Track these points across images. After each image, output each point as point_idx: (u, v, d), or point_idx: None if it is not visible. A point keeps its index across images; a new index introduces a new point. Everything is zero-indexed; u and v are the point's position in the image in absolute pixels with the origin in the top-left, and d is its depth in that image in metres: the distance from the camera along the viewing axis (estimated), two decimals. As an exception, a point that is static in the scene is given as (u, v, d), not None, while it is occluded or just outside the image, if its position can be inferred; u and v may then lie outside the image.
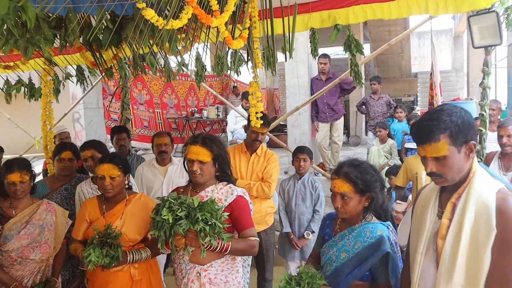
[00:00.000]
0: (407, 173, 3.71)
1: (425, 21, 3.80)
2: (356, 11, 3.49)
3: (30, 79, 5.36)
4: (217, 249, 2.27)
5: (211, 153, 2.41)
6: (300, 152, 3.91)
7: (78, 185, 3.35)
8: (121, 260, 2.49)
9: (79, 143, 5.45)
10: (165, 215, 2.19)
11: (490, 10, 3.18)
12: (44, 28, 2.44)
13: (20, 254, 2.75)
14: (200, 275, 2.38)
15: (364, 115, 8.54)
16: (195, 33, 2.86)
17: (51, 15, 2.74)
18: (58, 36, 3.08)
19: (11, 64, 4.15)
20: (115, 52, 3.69)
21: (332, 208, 2.20)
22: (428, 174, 1.68)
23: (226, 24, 2.59)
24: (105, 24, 2.96)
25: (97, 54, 3.58)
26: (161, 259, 3.90)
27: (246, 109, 7.03)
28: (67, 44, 3.14)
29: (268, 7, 3.07)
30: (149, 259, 2.71)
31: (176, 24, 2.20)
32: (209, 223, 2.18)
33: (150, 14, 2.05)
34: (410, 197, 3.98)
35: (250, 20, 3.02)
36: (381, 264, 2.00)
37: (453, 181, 1.65)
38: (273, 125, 5.56)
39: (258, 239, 2.47)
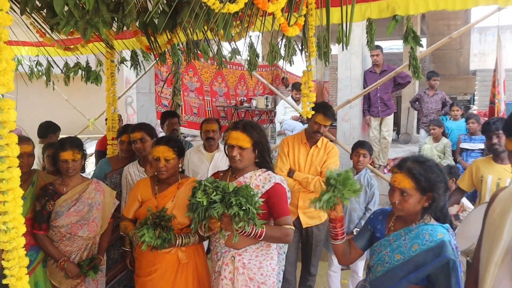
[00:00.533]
0: (472, 177, 3.44)
1: (492, 13, 3.58)
2: (417, 1, 3.36)
3: (87, 62, 5.53)
4: (251, 235, 2.28)
5: (251, 139, 2.43)
6: (361, 146, 3.79)
7: (126, 166, 3.43)
8: (172, 242, 2.54)
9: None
10: (199, 198, 2.24)
11: None
12: (102, 10, 2.48)
13: (69, 230, 2.84)
14: (234, 259, 2.43)
15: (416, 112, 8.25)
16: (250, 20, 2.83)
17: (109, -3, 2.78)
18: (116, 19, 3.14)
19: (71, 46, 4.27)
20: (169, 37, 3.72)
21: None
22: None
23: (282, 10, 2.54)
24: (161, 8, 2.99)
25: (152, 38, 3.62)
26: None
27: (296, 100, 6.96)
28: (124, 28, 3.20)
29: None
30: (196, 244, 2.74)
31: (232, 7, 2.17)
32: (243, 208, 2.19)
33: (207, -3, 2.03)
34: (463, 200, 3.79)
35: (307, 7, 2.96)
36: (442, 271, 1.88)
37: None
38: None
39: (293, 227, 2.46)
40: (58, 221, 2.80)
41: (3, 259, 1.51)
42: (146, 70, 6.28)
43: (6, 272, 1.50)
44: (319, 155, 3.56)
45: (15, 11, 2.57)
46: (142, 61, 5.57)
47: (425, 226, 1.96)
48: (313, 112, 3.15)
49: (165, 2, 2.91)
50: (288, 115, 7.23)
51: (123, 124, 6.05)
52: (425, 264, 1.88)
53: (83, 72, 5.53)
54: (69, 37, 4.21)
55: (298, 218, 3.54)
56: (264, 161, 2.53)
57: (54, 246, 2.85)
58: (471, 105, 12.10)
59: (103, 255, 3.03)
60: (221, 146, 4.13)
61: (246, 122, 2.52)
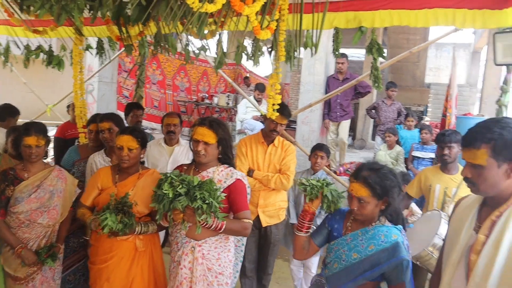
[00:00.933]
0: (421, 184, 3.63)
1: (449, 33, 3.81)
2: (382, 16, 3.50)
3: (50, 46, 5.41)
4: (212, 227, 2.40)
5: (216, 136, 2.54)
6: (319, 149, 3.97)
7: (91, 155, 3.41)
8: (133, 228, 2.60)
9: (89, 115, 5.52)
10: (166, 190, 2.32)
11: (517, 29, 3.21)
12: (79, -1, 2.48)
13: (29, 217, 2.81)
14: (194, 249, 2.52)
15: (372, 120, 8.54)
16: (225, 20, 2.91)
17: (86, -15, 2.77)
18: (90, 7, 3.12)
19: (40, 29, 4.18)
20: (141, 29, 3.72)
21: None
22: (464, 179, 1.69)
23: (256, 13, 2.63)
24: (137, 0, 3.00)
25: (124, 29, 3.62)
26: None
27: (258, 100, 7.07)
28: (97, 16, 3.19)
29: (299, 0, 3.07)
30: (153, 233, 2.80)
31: (210, 8, 2.24)
32: (207, 201, 2.29)
33: (188, -5, 2.09)
34: (412, 205, 4.00)
35: (280, 12, 3.06)
36: (396, 269, 2.00)
37: (486, 194, 1.65)
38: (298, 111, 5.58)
39: (252, 221, 2.58)
40: (17, 207, 2.76)
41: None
42: (111, 59, 6.20)
43: None
44: (277, 153, 3.66)
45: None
46: (108, 50, 5.49)
47: (380, 227, 2.09)
48: (277, 114, 3.25)
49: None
50: (249, 114, 7.33)
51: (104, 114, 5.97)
52: (380, 263, 2.00)
53: (44, 55, 5.41)
54: (37, 19, 4.14)
55: (257, 217, 3.62)
56: (226, 157, 2.65)
57: (11, 233, 2.80)
58: (424, 116, 12.63)
59: (62, 243, 3.01)
60: (182, 141, 4.17)
61: (213, 119, 2.62)
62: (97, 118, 3.50)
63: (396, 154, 6.10)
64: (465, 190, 1.97)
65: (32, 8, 2.48)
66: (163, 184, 2.35)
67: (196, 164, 2.64)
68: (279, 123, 3.58)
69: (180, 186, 2.32)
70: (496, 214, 1.61)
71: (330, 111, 6.65)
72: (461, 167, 3.45)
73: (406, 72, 13.60)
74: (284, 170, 3.60)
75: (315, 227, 3.85)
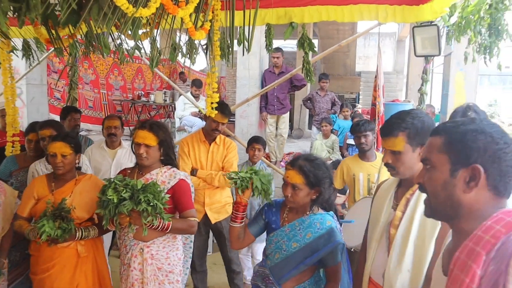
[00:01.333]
0: (344, 175, 3.75)
1: (373, 27, 4.05)
2: (311, 11, 3.65)
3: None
4: (158, 228, 2.47)
5: (157, 138, 2.59)
6: (255, 142, 4.11)
7: (32, 164, 3.33)
8: (73, 233, 2.59)
9: (19, 120, 5.30)
10: (110, 195, 2.35)
11: (433, 23, 3.47)
12: (3, 1, 2.41)
13: None
14: (143, 251, 2.58)
15: (308, 110, 8.81)
16: (160, 21, 2.93)
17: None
18: (15, 9, 3.02)
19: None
20: (72, 31, 3.64)
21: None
22: (384, 164, 1.93)
23: (190, 15, 2.68)
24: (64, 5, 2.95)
25: (53, 31, 3.52)
26: (106, 242, 3.93)
27: (195, 96, 7.08)
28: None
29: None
30: (95, 238, 2.80)
31: (144, 12, 2.27)
32: (151, 204, 2.35)
33: (121, 1, 2.11)
34: (348, 191, 4.21)
35: (213, 12, 3.12)
36: (331, 252, 2.17)
37: (404, 176, 1.89)
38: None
39: (197, 219, 2.68)
40: None
41: None
42: (39, 60, 5.97)
43: None
44: (219, 151, 3.69)
45: None
46: (35, 51, 5.29)
47: (315, 216, 2.25)
48: (216, 112, 3.32)
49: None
50: (187, 111, 7.33)
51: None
52: (318, 249, 2.17)
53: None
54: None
55: (206, 215, 3.67)
56: (169, 158, 2.71)
57: None
58: (357, 104, 13.18)
59: (5, 258, 2.90)
60: (124, 143, 4.13)
61: (153, 122, 2.68)
62: (36, 127, 3.41)
63: (331, 143, 6.37)
64: (385, 174, 2.24)
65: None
66: (107, 189, 2.38)
67: (139, 167, 2.69)
68: (221, 122, 3.61)
69: (124, 191, 2.35)
70: (409, 193, 1.88)
71: (267, 104, 6.80)
72: (378, 154, 3.68)
73: (338, 62, 14.10)
74: (227, 168, 3.64)
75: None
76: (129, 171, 2.73)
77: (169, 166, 2.70)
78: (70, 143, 2.73)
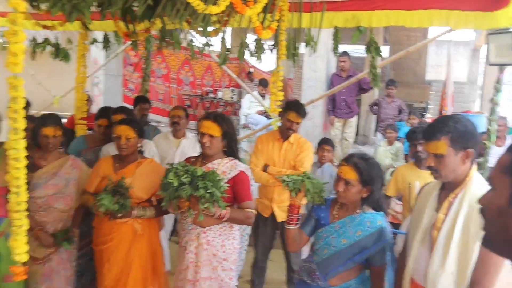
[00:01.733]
0: (399, 183, 3.64)
1: (445, 33, 3.93)
2: (379, 16, 3.61)
3: (56, 39, 5.56)
4: (215, 216, 2.53)
5: (221, 129, 2.66)
6: (325, 143, 4.24)
7: (104, 146, 3.61)
8: (129, 209, 2.76)
9: (95, 108, 5.67)
10: (171, 179, 2.45)
11: (509, 30, 3.32)
12: (89, -4, 2.63)
13: (46, 202, 2.99)
14: (199, 236, 2.67)
15: (374, 117, 8.66)
16: (228, 19, 3.05)
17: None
18: (98, 4, 3.26)
19: (49, 23, 4.32)
20: (148, 26, 3.86)
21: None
22: (427, 167, 1.97)
23: (258, 14, 2.77)
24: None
25: (131, 25, 3.76)
26: (168, 227, 4.14)
27: (261, 95, 7.20)
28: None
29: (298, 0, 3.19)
30: (152, 218, 2.98)
31: (214, 9, 2.39)
32: (209, 191, 2.42)
33: (193, -2, 2.23)
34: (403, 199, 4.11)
35: (280, 13, 3.20)
36: (379, 251, 2.20)
37: (447, 179, 1.91)
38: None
39: (255, 212, 2.73)
40: (35, 192, 2.92)
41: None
42: (117, 52, 6.34)
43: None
44: (292, 150, 3.72)
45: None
46: (114, 44, 5.62)
47: (365, 214, 2.27)
48: (279, 110, 3.39)
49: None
50: (253, 109, 7.46)
51: (91, 105, 6.11)
52: (367, 247, 2.20)
53: (51, 48, 5.56)
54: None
55: (272, 212, 3.72)
56: (231, 150, 2.78)
57: (30, 215, 2.94)
58: (425, 113, 12.71)
59: (77, 228, 3.17)
60: (188, 134, 4.32)
61: (218, 114, 2.77)
62: (106, 113, 3.66)
63: (395, 150, 6.22)
64: (428, 179, 2.23)
65: (44, 6, 2.61)
66: (169, 173, 2.49)
67: (203, 156, 2.78)
68: (295, 122, 3.65)
69: (185, 176, 2.44)
70: (452, 196, 1.91)
71: (335, 107, 6.78)
72: None
73: (407, 69, 13.65)
74: (297, 167, 3.64)
75: None
76: (193, 160, 2.85)
77: (231, 158, 2.77)
78: (134, 127, 2.93)
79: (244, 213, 2.67)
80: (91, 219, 3.14)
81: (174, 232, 4.66)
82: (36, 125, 2.99)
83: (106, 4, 3.17)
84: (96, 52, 7.46)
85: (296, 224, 2.45)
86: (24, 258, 2.10)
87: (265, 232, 3.83)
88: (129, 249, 2.88)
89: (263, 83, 7.26)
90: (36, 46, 5.55)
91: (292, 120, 3.64)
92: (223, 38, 4.57)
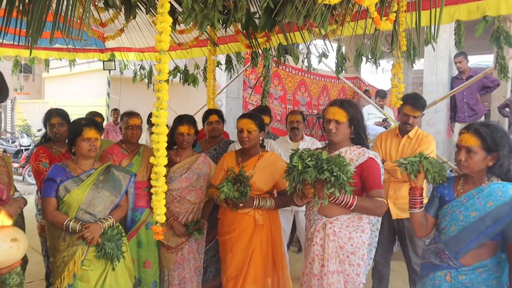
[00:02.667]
0: None
1: None
2: (509, 2, 3.41)
3: (185, 66, 6.11)
4: (342, 203, 2.44)
5: (347, 115, 2.58)
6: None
7: (231, 144, 3.91)
8: (248, 197, 2.87)
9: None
10: (295, 162, 2.42)
11: None
12: (218, 5, 2.90)
13: (180, 194, 3.31)
14: (325, 226, 2.58)
15: (506, 119, 7.99)
16: (345, 18, 3.11)
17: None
18: (226, 14, 3.55)
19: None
20: (268, 36, 4.09)
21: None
22: None
23: (375, 5, 2.80)
24: (262, 10, 3.37)
25: (252, 37, 4.04)
26: (284, 238, 4.22)
27: (380, 107, 7.10)
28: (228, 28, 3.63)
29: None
30: (273, 210, 3.08)
31: (333, 0, 2.47)
32: (334, 174, 2.32)
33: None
34: None
35: (398, 4, 3.19)
36: None
37: None
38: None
39: (385, 201, 2.58)
40: (171, 185, 3.25)
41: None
42: (237, 74, 6.76)
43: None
44: (410, 145, 3.62)
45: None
46: (235, 65, 6.00)
47: (495, 184, 2.10)
48: (401, 102, 3.33)
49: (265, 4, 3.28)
50: (371, 121, 7.39)
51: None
52: (500, 218, 2.01)
53: (181, 75, 6.13)
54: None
55: (388, 210, 3.61)
56: (359, 137, 2.66)
57: (166, 206, 3.25)
58: None
59: (206, 219, 3.43)
60: (306, 137, 4.43)
61: (344, 99, 2.72)
62: (212, 111, 4.14)
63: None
64: None
65: (180, 18, 2.93)
66: (293, 157, 2.48)
67: (329, 145, 2.71)
68: (412, 115, 3.56)
69: (309, 159, 2.40)
70: None
71: (457, 112, 6.42)
72: None
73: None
74: (400, 170, 3.54)
75: None
76: (319, 150, 2.83)
77: (359, 146, 2.65)
78: (255, 120, 3.10)
79: (373, 202, 2.50)
80: (215, 217, 3.35)
81: (292, 243, 4.74)
82: (173, 125, 3.33)
83: (231, 20, 3.46)
84: (219, 76, 8.01)
85: (421, 207, 2.35)
86: (163, 218, 2.48)
87: (382, 231, 3.68)
88: (250, 239, 3.00)
89: (381, 94, 7.16)
90: (168, 74, 6.15)
91: (408, 114, 3.54)
92: (339, 46, 4.66)
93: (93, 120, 2.98)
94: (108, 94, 9.46)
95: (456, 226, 2.15)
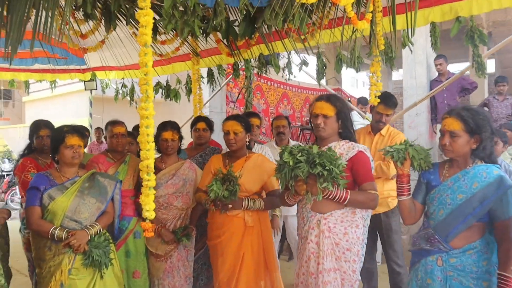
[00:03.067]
0: None
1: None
2: (479, 1, 3.50)
3: (167, 81, 6.14)
4: (336, 197, 2.42)
5: (335, 108, 2.58)
6: None
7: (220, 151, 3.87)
8: (237, 196, 2.86)
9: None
10: (286, 159, 2.40)
11: None
12: (198, 11, 2.93)
13: (166, 200, 3.29)
14: (320, 222, 2.54)
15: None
16: (322, 21, 3.17)
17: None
18: (203, 30, 3.59)
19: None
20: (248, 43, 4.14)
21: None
22: None
23: (352, 5, 2.86)
24: (241, 17, 3.42)
25: (233, 45, 4.09)
26: (276, 241, 4.21)
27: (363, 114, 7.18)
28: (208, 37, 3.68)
29: (390, 4, 3.19)
30: (262, 212, 3.07)
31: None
32: (327, 168, 2.32)
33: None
34: None
35: (374, 4, 3.26)
36: (501, 200, 2.05)
37: None
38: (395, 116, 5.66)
39: (378, 194, 2.56)
40: (157, 192, 3.15)
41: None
42: (220, 87, 6.78)
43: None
44: (383, 142, 3.68)
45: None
46: (217, 78, 6.02)
47: (479, 166, 2.15)
48: (379, 100, 3.40)
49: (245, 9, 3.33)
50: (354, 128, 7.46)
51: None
52: (486, 198, 2.06)
53: (163, 90, 6.15)
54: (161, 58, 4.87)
55: None
56: (347, 131, 2.66)
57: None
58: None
59: (194, 225, 3.41)
60: (292, 142, 4.44)
61: (331, 94, 2.75)
62: (200, 118, 4.20)
63: (514, 150, 5.78)
64: None
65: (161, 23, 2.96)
66: (284, 153, 2.45)
67: (317, 141, 2.70)
68: (384, 114, 3.64)
69: (300, 154, 2.39)
70: None
71: (437, 114, 6.54)
72: None
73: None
74: (387, 158, 3.58)
75: None
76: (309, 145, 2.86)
77: (347, 140, 2.65)
78: (241, 122, 3.10)
79: (366, 195, 2.50)
80: (204, 224, 3.34)
81: (281, 252, 4.71)
82: (157, 131, 3.33)
83: (210, 29, 3.50)
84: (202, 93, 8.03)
85: (408, 194, 2.37)
86: (152, 215, 2.49)
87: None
88: (241, 242, 2.97)
89: (362, 101, 7.26)
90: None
91: (381, 112, 3.62)
92: (319, 53, 4.73)
93: (75, 126, 2.95)
94: (90, 114, 9.41)
95: (444, 210, 2.19)
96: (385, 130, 3.75)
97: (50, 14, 2.29)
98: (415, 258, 2.37)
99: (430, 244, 2.24)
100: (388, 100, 3.62)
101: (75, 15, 3.49)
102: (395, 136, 3.69)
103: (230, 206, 2.91)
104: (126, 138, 3.48)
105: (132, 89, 7.14)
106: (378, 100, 3.40)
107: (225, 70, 5.99)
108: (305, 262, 2.60)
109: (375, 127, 3.77)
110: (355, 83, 30.97)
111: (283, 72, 5.31)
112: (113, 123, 3.48)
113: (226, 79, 6.75)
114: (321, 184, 2.35)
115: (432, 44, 4.10)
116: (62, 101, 13.04)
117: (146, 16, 2.28)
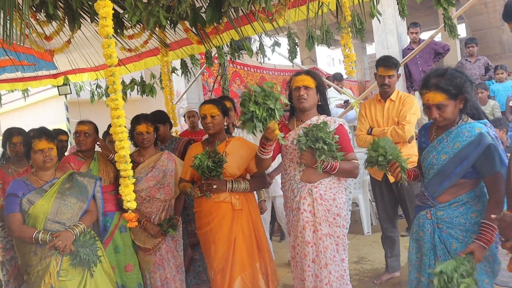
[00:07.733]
0: None
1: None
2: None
3: (141, 77, 6.06)
4: (327, 168, 2.59)
5: (315, 81, 2.74)
6: None
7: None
8: (223, 169, 2.83)
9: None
10: (252, 109, 2.27)
11: None
12: (162, 0, 2.89)
13: (148, 193, 3.27)
14: (311, 191, 2.70)
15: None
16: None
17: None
18: (170, 19, 3.53)
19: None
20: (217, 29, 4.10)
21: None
22: None
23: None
24: (207, 2, 3.38)
25: (202, 33, 4.03)
26: (266, 222, 4.22)
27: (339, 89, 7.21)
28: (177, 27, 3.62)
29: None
30: (249, 194, 3.06)
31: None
32: (327, 142, 2.46)
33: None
34: None
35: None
36: (485, 157, 2.07)
37: None
38: (363, 94, 5.71)
39: (359, 162, 2.73)
40: (138, 186, 3.19)
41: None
42: (196, 77, 6.73)
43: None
44: (394, 107, 3.66)
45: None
46: (191, 68, 5.96)
47: (463, 125, 2.17)
48: (355, 71, 3.41)
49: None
50: (332, 104, 7.48)
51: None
52: (467, 156, 2.10)
53: (138, 87, 6.07)
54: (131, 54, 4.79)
55: (384, 174, 3.61)
56: (325, 104, 2.85)
57: (137, 209, 3.12)
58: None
59: (179, 215, 3.42)
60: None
61: (308, 69, 2.86)
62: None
63: (490, 109, 5.88)
64: None
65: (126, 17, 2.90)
66: (247, 103, 2.31)
67: (298, 115, 2.83)
68: (386, 75, 3.62)
69: (268, 100, 2.26)
70: None
71: (413, 82, 6.59)
72: None
73: (491, 39, 12.81)
74: (400, 121, 3.56)
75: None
76: (286, 122, 2.91)
77: (326, 115, 2.82)
78: (217, 105, 3.07)
79: (351, 164, 2.70)
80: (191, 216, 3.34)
81: (273, 233, 4.73)
82: (131, 126, 3.30)
83: (176, 18, 3.44)
84: (177, 84, 7.95)
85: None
86: (133, 204, 2.56)
87: (381, 198, 3.76)
88: (231, 226, 2.95)
89: (337, 77, 7.27)
90: (125, 88, 6.07)
91: (382, 75, 3.62)
92: (289, 32, 4.71)
93: (42, 129, 2.89)
94: (67, 119, 9.23)
95: (432, 170, 2.26)
96: (395, 95, 3.70)
97: (8, 16, 2.24)
98: (415, 213, 2.46)
99: (421, 201, 2.35)
100: (386, 61, 3.63)
101: (37, 17, 3.40)
102: (406, 99, 3.67)
103: (215, 186, 2.86)
104: (90, 137, 3.41)
105: (107, 89, 7.03)
106: (355, 71, 3.41)
107: (199, 60, 5.92)
108: (300, 233, 2.72)
109: (382, 93, 3.73)
110: (331, 62, 30.97)
111: (257, 56, 5.28)
112: (79, 122, 3.45)
113: (200, 68, 6.69)
114: (319, 157, 2.51)
115: (399, 11, 4.11)
116: (37, 109, 12.80)
117: (105, 8, 2.25)
